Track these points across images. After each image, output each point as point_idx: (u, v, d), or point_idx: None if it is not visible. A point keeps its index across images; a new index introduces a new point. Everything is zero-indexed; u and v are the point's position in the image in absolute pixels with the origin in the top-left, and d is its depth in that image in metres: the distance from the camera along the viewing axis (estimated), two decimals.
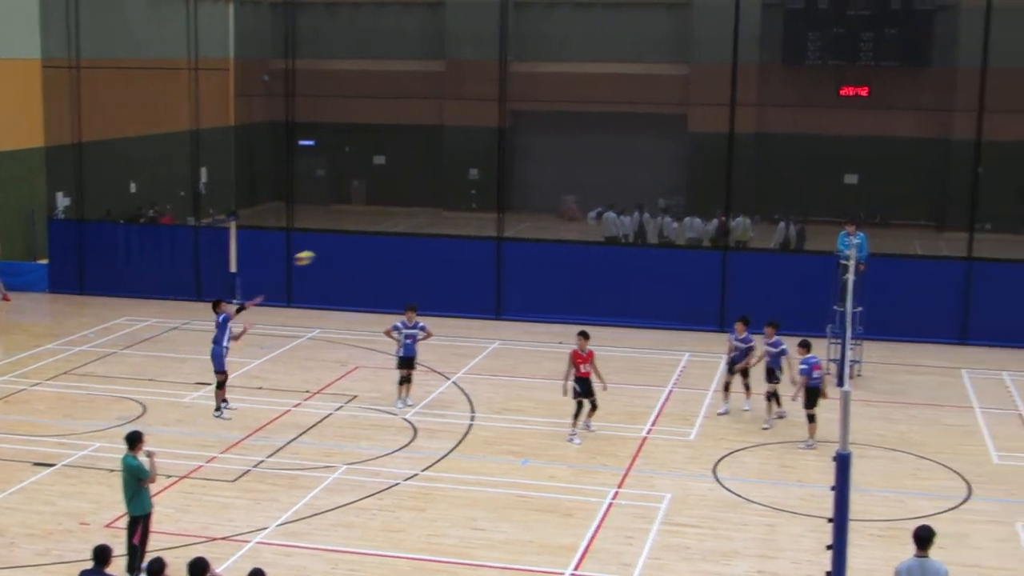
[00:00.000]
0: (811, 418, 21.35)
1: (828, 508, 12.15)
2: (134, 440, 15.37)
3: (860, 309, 25.80)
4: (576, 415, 21.80)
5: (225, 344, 22.25)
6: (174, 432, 21.61)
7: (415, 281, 31.04)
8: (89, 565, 13.14)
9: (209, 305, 23.55)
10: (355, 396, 24.09)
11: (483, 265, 31.66)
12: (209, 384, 23.30)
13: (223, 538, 16.98)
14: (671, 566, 16.48)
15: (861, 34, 43.86)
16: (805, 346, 21.76)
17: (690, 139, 45.51)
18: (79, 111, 34.45)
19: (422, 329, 23.61)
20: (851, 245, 25.25)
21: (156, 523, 16.06)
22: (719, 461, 20.75)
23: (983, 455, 21.51)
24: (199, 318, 29.60)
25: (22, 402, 23.48)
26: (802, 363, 21.44)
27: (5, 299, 32.25)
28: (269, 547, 16.76)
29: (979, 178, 30.73)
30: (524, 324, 30.81)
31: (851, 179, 45.29)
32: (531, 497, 18.87)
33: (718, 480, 19.89)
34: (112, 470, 18.37)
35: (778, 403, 22.46)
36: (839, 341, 24.99)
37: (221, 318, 22.22)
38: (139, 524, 15.26)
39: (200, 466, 19.91)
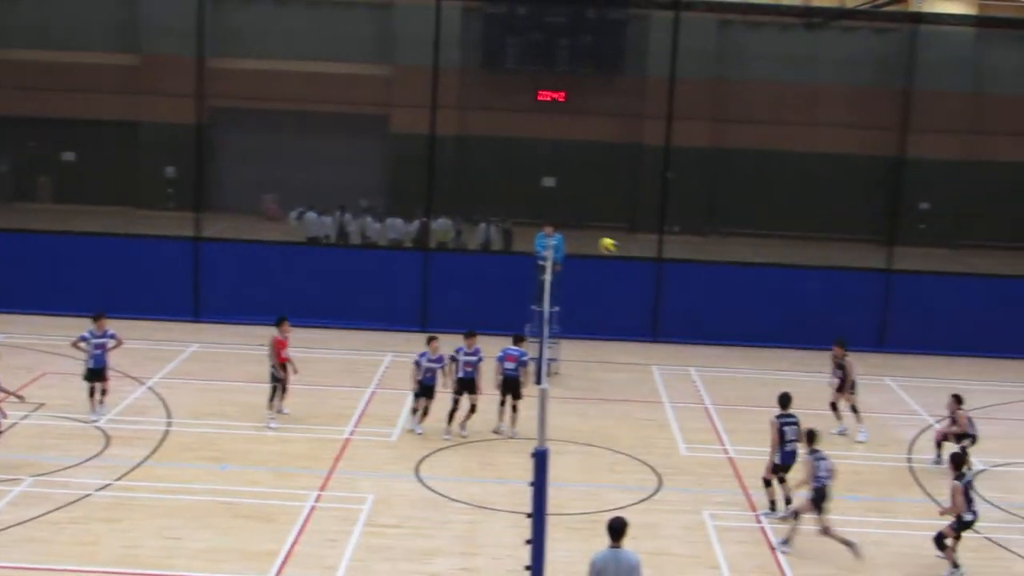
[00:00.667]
0: (513, 408, 22.29)
1: (527, 503, 12.40)
2: None
3: (557, 309, 26.47)
4: (272, 399, 22.67)
5: None
6: None
7: (108, 282, 29.98)
8: None
9: None
10: (43, 404, 23.03)
11: (180, 266, 30.88)
12: None
13: None
14: (373, 567, 16.50)
15: (558, 41, 44.94)
16: (518, 339, 22.97)
17: (392, 140, 45.62)
18: None
19: (112, 337, 22.64)
20: (548, 246, 25.90)
21: None
22: (421, 461, 20.91)
23: (672, 447, 22.48)
24: None
25: None
26: (499, 353, 22.27)
27: None
28: None
29: (668, 183, 32.08)
30: (224, 326, 30.22)
31: (549, 182, 46.40)
32: (232, 503, 18.53)
33: (420, 480, 20.04)
34: None
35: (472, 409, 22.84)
36: (537, 340, 25.59)
37: None
38: None
39: None
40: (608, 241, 24.79)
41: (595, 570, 13.03)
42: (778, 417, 19.01)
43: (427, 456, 21.15)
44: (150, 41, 45.29)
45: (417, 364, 22.30)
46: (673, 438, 23.08)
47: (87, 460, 20.10)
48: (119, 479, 19.27)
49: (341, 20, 45.64)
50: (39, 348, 27.35)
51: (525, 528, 12.46)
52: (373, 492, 19.27)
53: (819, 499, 17.22)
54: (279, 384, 22.64)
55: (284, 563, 16.47)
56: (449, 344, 22.61)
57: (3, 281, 30.00)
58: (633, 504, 19.33)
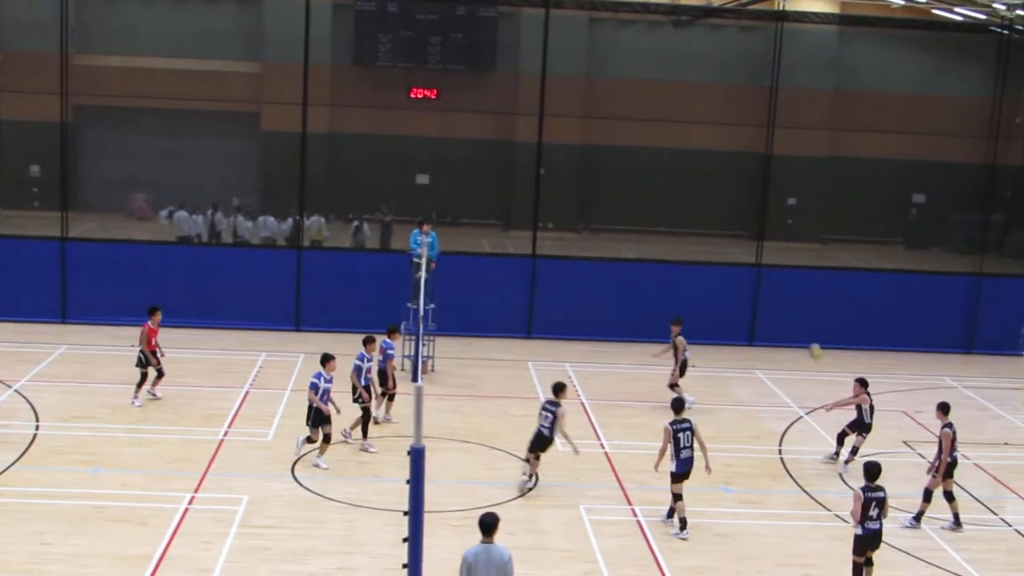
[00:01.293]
0: (390, 397, 22.87)
1: (404, 501, 12.41)
2: None
3: (432, 306, 26.50)
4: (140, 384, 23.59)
5: None
6: None
7: None
8: None
9: None
10: None
11: (46, 266, 30.26)
12: None
13: None
14: (250, 568, 16.36)
15: (430, 38, 44.87)
16: (391, 331, 23.21)
17: (263, 138, 45.09)
18: None
19: None
20: (423, 244, 25.94)
21: None
22: (297, 461, 20.77)
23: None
24: None
25: None
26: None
27: None
28: None
29: (541, 179, 32.29)
30: (93, 327, 29.67)
31: (423, 179, 46.32)
32: (104, 507, 18.22)
33: (296, 480, 19.91)
34: None
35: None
36: (412, 337, 25.61)
37: None
38: None
39: None
40: (817, 352, 27.68)
41: (466, 565, 13.09)
42: (672, 423, 18.52)
43: (303, 456, 21.01)
44: (11, 37, 44.14)
45: (358, 369, 21.64)
46: None
47: None
48: None
49: (209, 17, 45.00)
50: None
51: (402, 526, 12.47)
52: (248, 493, 19.10)
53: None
54: (147, 370, 23.61)
55: (158, 566, 16.25)
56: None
57: None
58: (510, 500, 19.45)
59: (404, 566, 12.82)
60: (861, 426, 21.76)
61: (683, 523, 18.29)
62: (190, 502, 18.63)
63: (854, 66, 43.96)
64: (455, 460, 21.30)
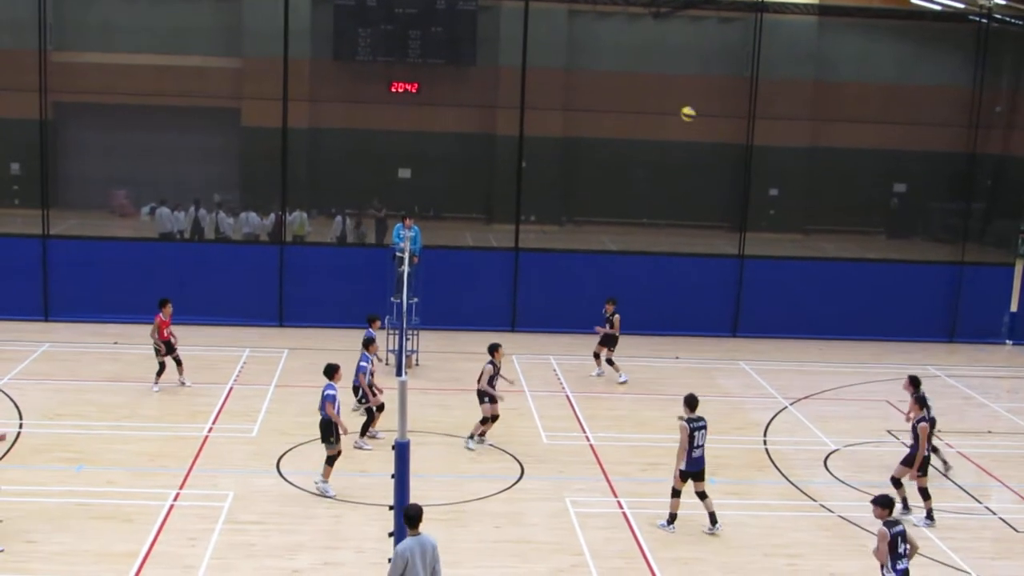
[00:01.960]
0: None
1: (390, 496, 12.41)
2: None
3: (416, 300, 26.49)
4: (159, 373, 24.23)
5: None
6: None
7: None
8: None
9: None
10: None
11: (29, 264, 30.20)
12: None
13: None
14: (235, 565, 16.34)
15: (409, 32, 44.79)
16: (371, 320, 23.24)
17: (244, 134, 44.91)
18: None
19: None
20: (405, 238, 25.93)
21: None
22: (282, 456, 20.75)
23: (534, 436, 22.66)
24: None
25: None
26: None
27: None
28: None
29: (523, 172, 32.29)
30: (76, 325, 29.59)
31: (405, 173, 46.23)
32: (89, 504, 18.16)
33: (282, 475, 19.89)
34: None
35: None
36: (396, 332, 25.60)
37: None
38: None
39: None
40: (687, 111, 25.88)
41: (403, 560, 13.00)
42: (688, 420, 18.11)
43: (288, 451, 20.99)
44: None
45: (363, 369, 21.46)
46: (534, 427, 23.27)
47: None
48: None
49: (188, 12, 44.82)
50: None
51: (388, 520, 12.49)
52: (233, 489, 19.06)
53: None
54: (164, 359, 24.31)
55: (143, 564, 16.21)
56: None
57: None
58: (496, 493, 19.46)
59: (390, 560, 12.82)
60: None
61: (672, 518, 18.22)
62: (175, 499, 18.60)
63: (833, 56, 43.99)
64: (440, 454, 21.30)
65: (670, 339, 31.00)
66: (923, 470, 18.86)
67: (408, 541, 13.12)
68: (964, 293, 32.77)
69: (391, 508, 12.60)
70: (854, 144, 42.88)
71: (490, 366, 21.52)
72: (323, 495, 18.80)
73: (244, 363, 27.14)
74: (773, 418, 24.57)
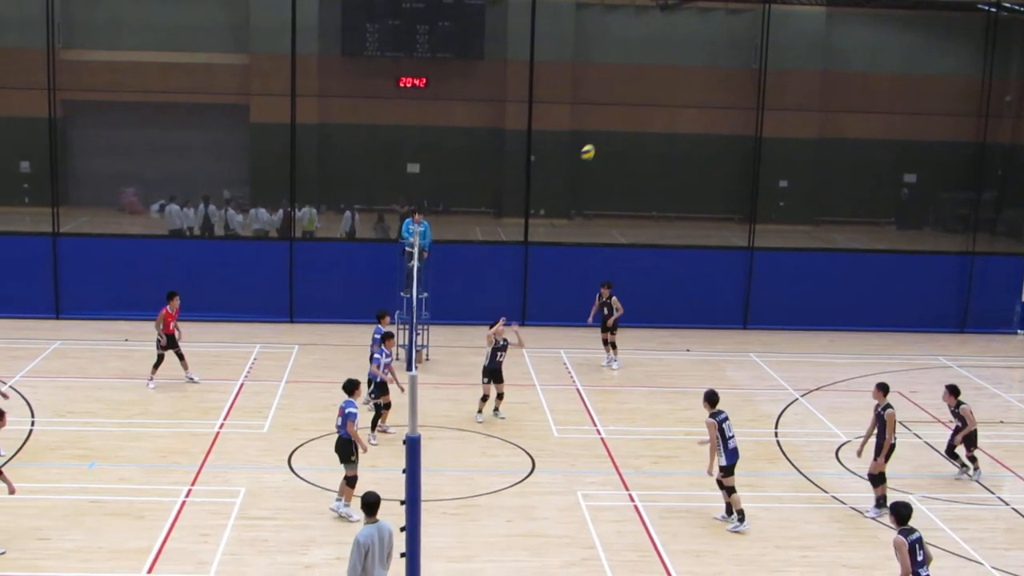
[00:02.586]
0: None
1: (401, 490, 12.40)
2: None
3: (426, 295, 26.50)
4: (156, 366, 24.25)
5: None
6: None
7: None
8: None
9: None
10: None
11: (39, 262, 30.28)
12: None
13: None
14: (248, 560, 16.37)
15: (417, 26, 44.77)
16: (380, 316, 23.21)
17: (253, 130, 44.97)
18: None
19: None
20: (414, 233, 25.94)
21: None
22: (294, 452, 20.78)
23: (545, 430, 22.66)
24: None
25: None
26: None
27: None
28: None
29: (532, 166, 32.26)
30: (87, 322, 29.65)
31: (413, 168, 46.23)
32: (102, 501, 18.21)
33: (293, 471, 19.92)
34: None
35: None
36: (406, 326, 25.61)
37: None
38: None
39: None
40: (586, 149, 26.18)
41: (363, 549, 13.25)
42: (713, 416, 18.08)
43: (299, 447, 21.02)
44: None
45: (377, 361, 21.42)
46: (546, 420, 23.27)
47: None
48: None
49: (196, 9, 44.85)
50: None
51: (399, 515, 12.45)
52: (245, 485, 19.10)
53: None
54: (164, 352, 24.33)
55: (156, 560, 16.25)
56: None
57: None
58: (507, 487, 19.47)
59: (402, 555, 12.82)
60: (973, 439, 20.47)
61: (741, 515, 18.02)
62: (187, 495, 18.63)
63: (842, 47, 43.93)
64: (451, 448, 21.31)
65: (680, 332, 30.98)
66: (887, 457, 18.71)
67: (367, 529, 13.40)
68: (975, 283, 32.70)
69: (402, 503, 12.58)
70: (863, 135, 42.83)
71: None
72: (347, 519, 17.82)
73: (255, 359, 27.18)
74: (784, 410, 24.55)
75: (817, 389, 26.09)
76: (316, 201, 39.31)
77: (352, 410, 17.94)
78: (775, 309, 31.79)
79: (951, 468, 20.72)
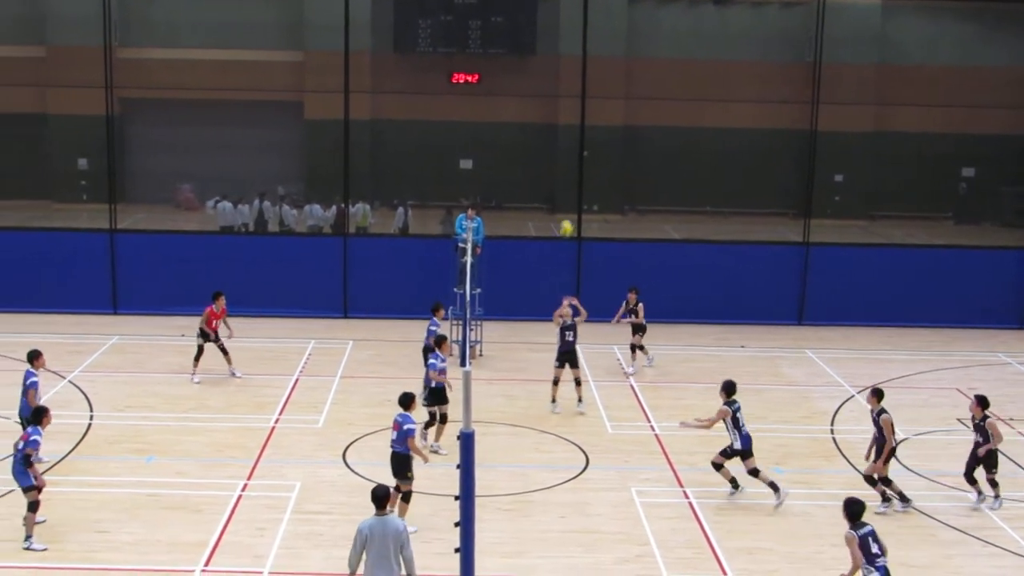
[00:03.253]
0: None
1: (455, 486, 12.41)
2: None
3: (479, 291, 26.52)
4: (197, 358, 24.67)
5: None
6: None
7: (25, 276, 30.13)
8: None
9: None
10: None
11: (97, 258, 30.57)
12: None
13: None
14: (304, 554, 16.46)
15: (470, 22, 44.83)
16: (435, 310, 23.41)
17: (307, 126, 45.27)
18: None
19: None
20: (468, 228, 25.97)
21: None
22: (348, 447, 20.87)
23: (599, 426, 22.62)
24: None
25: None
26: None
27: None
28: None
29: (585, 161, 32.20)
30: (144, 318, 29.93)
31: (466, 164, 46.34)
32: (160, 495, 18.38)
33: (348, 465, 20.01)
34: None
35: None
36: (460, 322, 25.65)
37: None
38: None
39: None
40: (567, 227, 26.17)
41: (362, 536, 13.42)
42: (728, 404, 18.68)
43: (353, 442, 21.11)
44: (56, 33, 44.50)
45: (433, 367, 20.74)
46: (599, 417, 23.23)
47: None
48: (43, 474, 18.95)
49: (251, 6, 45.17)
50: None
51: (454, 510, 12.47)
52: (300, 479, 19.21)
53: None
54: (205, 345, 24.53)
55: (213, 553, 16.38)
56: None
57: None
58: (561, 483, 19.45)
59: (456, 550, 12.84)
60: (991, 458, 18.89)
61: (733, 483, 18.87)
62: (243, 489, 18.77)
63: (897, 39, 43.59)
64: (505, 444, 21.32)
65: (735, 328, 30.80)
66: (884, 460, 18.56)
67: (370, 520, 13.54)
68: None
69: (456, 498, 12.60)
70: (920, 128, 42.44)
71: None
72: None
73: (309, 355, 27.32)
74: (840, 407, 24.35)
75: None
76: (369, 197, 39.50)
77: (411, 426, 17.43)
78: (831, 305, 31.52)
79: (1009, 465, 20.45)
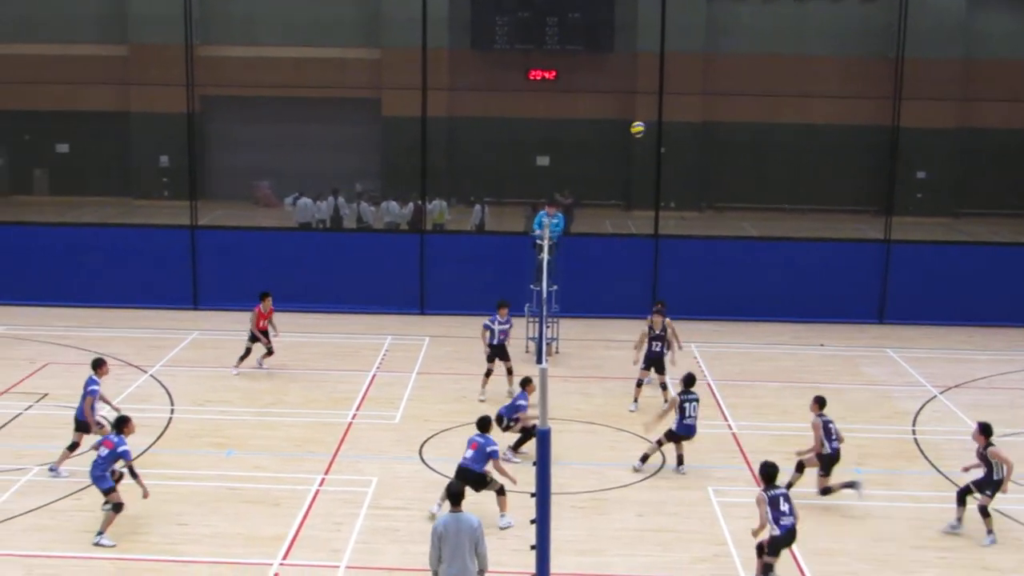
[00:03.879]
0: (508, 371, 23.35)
1: (531, 483, 12.37)
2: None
3: (556, 288, 26.45)
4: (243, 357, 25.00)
5: None
6: None
7: (107, 272, 30.57)
8: None
9: None
10: (46, 394, 23.03)
11: (178, 254, 30.93)
12: None
13: None
14: (381, 549, 16.52)
15: (547, 19, 44.80)
16: (501, 306, 23.87)
17: (384, 123, 45.50)
18: None
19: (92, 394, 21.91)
20: (545, 225, 25.91)
21: None
22: (424, 443, 20.92)
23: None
24: None
25: None
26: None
27: None
28: None
29: (662, 158, 32.00)
30: (223, 313, 30.20)
31: (543, 161, 46.31)
32: (238, 489, 18.55)
33: (424, 461, 20.05)
34: None
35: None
36: (536, 319, 25.61)
37: None
38: None
39: None
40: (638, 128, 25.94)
41: (436, 535, 13.49)
42: (680, 394, 19.77)
43: (430, 438, 21.16)
44: (137, 31, 45.13)
45: (488, 328, 23.45)
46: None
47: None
48: (124, 466, 19.22)
49: (328, 4, 45.48)
50: (40, 339, 27.33)
51: (529, 508, 12.43)
52: (377, 474, 19.28)
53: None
54: (252, 345, 24.91)
55: (291, 546, 16.50)
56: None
57: (3, 273, 30.19)
58: (637, 482, 19.35)
59: (532, 547, 12.80)
60: (988, 483, 17.47)
61: (644, 458, 19.79)
62: (321, 484, 18.88)
63: (983, 33, 42.89)
64: (581, 442, 21.25)
65: (814, 326, 30.43)
66: (825, 470, 18.50)
67: (445, 517, 13.62)
68: None
69: (532, 495, 12.56)
70: (1006, 124, 41.72)
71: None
72: (507, 527, 17.29)
73: (386, 350, 27.43)
74: (922, 407, 23.97)
75: (956, 386, 25.45)
76: (446, 194, 39.59)
77: (494, 447, 17.38)
78: (912, 304, 31.00)
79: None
